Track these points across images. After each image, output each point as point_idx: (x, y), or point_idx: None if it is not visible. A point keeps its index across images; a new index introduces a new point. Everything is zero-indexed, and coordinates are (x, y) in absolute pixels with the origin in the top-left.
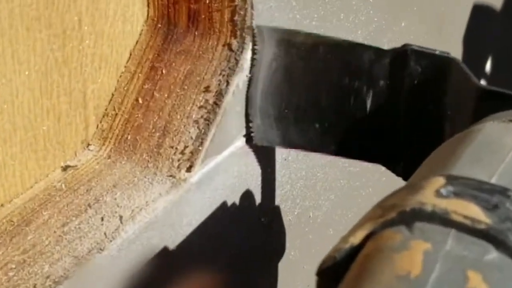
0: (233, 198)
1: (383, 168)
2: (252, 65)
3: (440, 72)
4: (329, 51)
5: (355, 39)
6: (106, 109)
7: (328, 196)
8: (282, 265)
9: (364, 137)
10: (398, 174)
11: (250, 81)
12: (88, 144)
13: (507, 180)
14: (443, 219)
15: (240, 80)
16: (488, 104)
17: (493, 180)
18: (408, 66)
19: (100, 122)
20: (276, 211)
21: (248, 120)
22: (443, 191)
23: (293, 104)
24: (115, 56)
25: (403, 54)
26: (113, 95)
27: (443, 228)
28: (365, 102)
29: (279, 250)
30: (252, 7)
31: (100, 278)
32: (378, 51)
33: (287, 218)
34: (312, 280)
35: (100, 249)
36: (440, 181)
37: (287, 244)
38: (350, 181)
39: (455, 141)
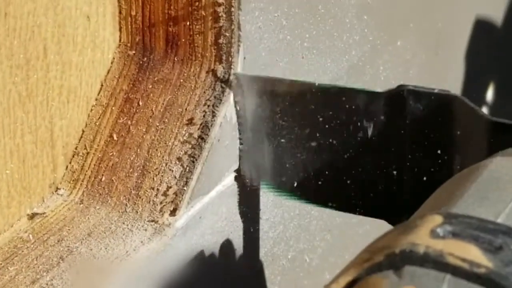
0: (223, 242)
1: None
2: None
3: (443, 110)
4: (317, 101)
5: (349, 60)
6: (76, 148)
7: (323, 236)
8: None
9: (364, 190)
10: None
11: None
12: (57, 188)
13: None
14: (437, 263)
15: (227, 110)
16: (501, 137)
17: (499, 220)
18: (407, 107)
19: (70, 162)
20: (268, 255)
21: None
22: (439, 230)
23: (283, 158)
24: (85, 87)
25: (398, 96)
26: (83, 131)
27: (437, 272)
28: (363, 152)
29: None
30: (239, 28)
31: None
32: (371, 95)
33: (281, 262)
34: None
35: None
36: (437, 219)
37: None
38: (346, 219)
39: (459, 178)
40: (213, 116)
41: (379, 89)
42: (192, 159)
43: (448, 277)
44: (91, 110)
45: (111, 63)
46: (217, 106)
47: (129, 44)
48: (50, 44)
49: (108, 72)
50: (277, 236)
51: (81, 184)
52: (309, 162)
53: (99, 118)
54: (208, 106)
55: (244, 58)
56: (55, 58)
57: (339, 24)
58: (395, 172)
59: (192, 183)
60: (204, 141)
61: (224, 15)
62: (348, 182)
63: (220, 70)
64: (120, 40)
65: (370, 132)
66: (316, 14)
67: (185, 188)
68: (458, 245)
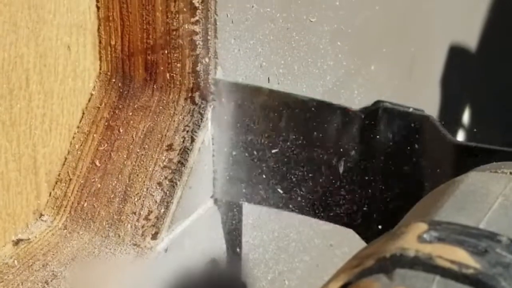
0: (204, 264)
1: None
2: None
3: (414, 132)
4: (294, 114)
5: (324, 86)
6: (59, 175)
7: (302, 258)
8: None
9: (336, 202)
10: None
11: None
12: (41, 214)
13: (496, 227)
14: (427, 265)
15: (205, 136)
16: (467, 160)
17: (480, 226)
18: (379, 130)
19: (53, 189)
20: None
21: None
22: (426, 236)
23: (259, 165)
24: (67, 116)
25: (373, 115)
26: (66, 158)
27: (427, 274)
28: (337, 167)
29: None
30: (215, 56)
31: None
32: (346, 114)
33: (261, 284)
34: None
35: None
36: (422, 226)
37: None
38: (324, 240)
39: (436, 192)
40: (192, 141)
41: None
42: (172, 183)
43: (438, 278)
44: (73, 137)
45: (92, 91)
46: (195, 132)
47: (109, 73)
48: (32, 74)
49: (89, 101)
50: (256, 258)
51: (64, 210)
52: (285, 174)
53: (81, 145)
54: (187, 131)
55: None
56: (37, 88)
57: (313, 50)
58: (370, 190)
59: (172, 207)
60: (184, 166)
61: (201, 43)
62: (323, 193)
63: (197, 96)
64: (100, 69)
65: (344, 147)
66: (290, 41)
67: (166, 212)
68: (446, 249)
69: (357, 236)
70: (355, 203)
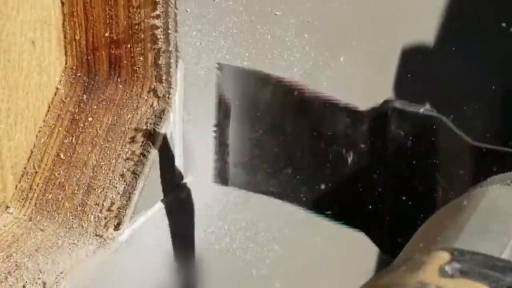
0: (167, 254)
1: None
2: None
3: (426, 134)
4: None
5: (291, 77)
6: (25, 168)
7: (272, 247)
8: None
9: (346, 199)
10: (384, 248)
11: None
12: (7, 207)
13: None
14: None
15: (168, 128)
16: (485, 162)
17: (504, 255)
18: (390, 130)
19: (19, 182)
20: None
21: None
22: (448, 268)
23: (259, 149)
24: (32, 110)
25: (383, 117)
26: (32, 152)
27: None
28: (345, 165)
29: None
30: (176, 49)
31: None
32: (355, 115)
33: (228, 273)
34: None
35: None
36: (444, 256)
37: None
38: (296, 230)
39: (455, 207)
40: (154, 134)
41: None
42: (134, 175)
43: None
44: (39, 131)
45: (58, 85)
46: (157, 124)
47: (74, 67)
48: None
49: (55, 95)
50: (223, 247)
51: (30, 202)
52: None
53: (47, 138)
54: (150, 124)
55: (184, 77)
56: (1, 83)
57: (279, 42)
58: (378, 191)
59: (134, 199)
60: (146, 158)
61: (162, 37)
62: (327, 183)
63: (160, 89)
64: (66, 64)
65: (351, 156)
66: (255, 34)
67: (128, 203)
68: (469, 285)
69: (330, 225)
70: (364, 202)
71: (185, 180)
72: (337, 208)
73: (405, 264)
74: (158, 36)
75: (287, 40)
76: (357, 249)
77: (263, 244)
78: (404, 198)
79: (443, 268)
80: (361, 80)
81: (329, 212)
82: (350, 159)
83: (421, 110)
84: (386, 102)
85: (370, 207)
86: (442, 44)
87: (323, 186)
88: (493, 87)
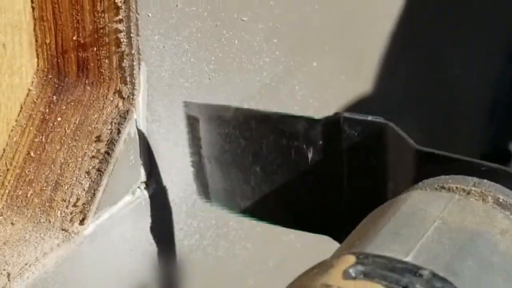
0: (134, 252)
1: None
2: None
3: (377, 137)
4: (260, 124)
5: (261, 81)
6: None
7: (244, 245)
8: None
9: (307, 209)
10: None
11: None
12: None
13: (425, 257)
14: None
15: (131, 128)
16: (427, 167)
17: (409, 257)
18: (343, 134)
19: None
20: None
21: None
22: (351, 271)
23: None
24: (5, 110)
25: (335, 123)
26: (4, 150)
27: None
28: (305, 174)
29: None
30: (139, 52)
31: None
32: (309, 122)
33: (199, 269)
34: None
35: None
36: (350, 259)
37: None
38: (269, 228)
39: (379, 212)
40: (118, 133)
41: (296, 107)
42: (99, 172)
43: None
44: (12, 130)
45: (30, 87)
46: (121, 124)
47: (45, 70)
48: None
49: (27, 96)
50: (193, 244)
51: (1, 198)
52: (256, 185)
53: (19, 137)
54: (114, 124)
55: (147, 79)
56: None
57: (247, 47)
58: (334, 193)
59: (99, 195)
60: (110, 156)
61: (125, 40)
62: (292, 202)
63: (125, 90)
64: (38, 66)
65: (310, 156)
66: (221, 38)
67: (92, 199)
68: (368, 285)
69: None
70: (324, 206)
71: (150, 178)
72: (296, 209)
73: (318, 266)
74: (121, 40)
75: (256, 45)
76: (331, 245)
77: (235, 241)
78: (358, 197)
79: (347, 271)
80: (336, 83)
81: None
82: (308, 160)
83: (369, 118)
84: (337, 114)
85: (330, 206)
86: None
87: (285, 181)
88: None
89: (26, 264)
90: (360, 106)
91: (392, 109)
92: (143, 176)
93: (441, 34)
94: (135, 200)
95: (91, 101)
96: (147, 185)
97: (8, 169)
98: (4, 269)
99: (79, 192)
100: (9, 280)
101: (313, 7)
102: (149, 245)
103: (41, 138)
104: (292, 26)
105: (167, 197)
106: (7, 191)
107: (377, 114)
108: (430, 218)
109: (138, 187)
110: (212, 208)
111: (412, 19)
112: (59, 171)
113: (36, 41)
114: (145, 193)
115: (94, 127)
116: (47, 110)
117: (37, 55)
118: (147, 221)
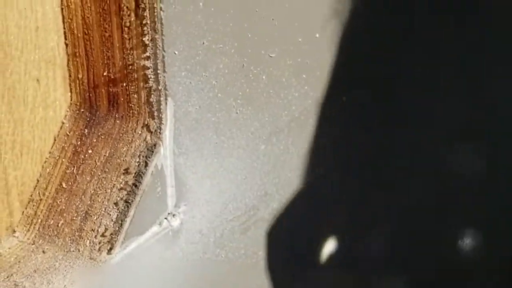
0: (162, 281)
1: None
2: None
3: None
4: None
5: (289, 115)
6: (31, 195)
7: (276, 276)
8: None
9: None
10: None
11: None
12: (14, 231)
13: None
14: None
15: (158, 161)
16: None
17: None
18: None
19: (26, 208)
20: None
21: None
22: None
23: None
24: (39, 142)
25: None
26: (38, 181)
27: None
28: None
29: None
30: (165, 88)
31: None
32: None
33: None
34: None
35: None
36: None
37: None
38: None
39: None
40: (146, 165)
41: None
42: (127, 204)
43: None
44: (45, 162)
45: (64, 120)
46: (149, 157)
47: (78, 104)
48: (1, 104)
49: (60, 128)
50: (223, 272)
51: (34, 227)
52: None
53: (52, 168)
54: (142, 157)
55: (174, 114)
56: (6, 117)
57: (275, 82)
58: None
59: (126, 225)
60: (138, 188)
61: (152, 77)
62: None
63: (152, 124)
64: (71, 100)
65: None
66: (248, 74)
67: (120, 229)
68: None
69: None
70: None
71: (177, 210)
72: None
73: None
74: (149, 76)
75: (284, 80)
76: None
77: (263, 271)
78: None
79: None
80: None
81: None
82: None
83: None
84: None
85: None
86: None
87: None
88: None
89: None
90: None
91: None
92: (170, 207)
93: None
94: (162, 231)
95: (121, 135)
96: (174, 216)
97: (41, 199)
98: None
99: (107, 223)
100: None
101: (342, 43)
102: (178, 274)
103: (73, 170)
104: (320, 61)
105: (195, 227)
106: (39, 220)
107: None
108: None
109: (165, 218)
110: (240, 239)
111: None
112: (89, 202)
113: (70, 76)
114: (172, 224)
115: (123, 160)
116: (79, 143)
117: (70, 89)
118: (174, 251)
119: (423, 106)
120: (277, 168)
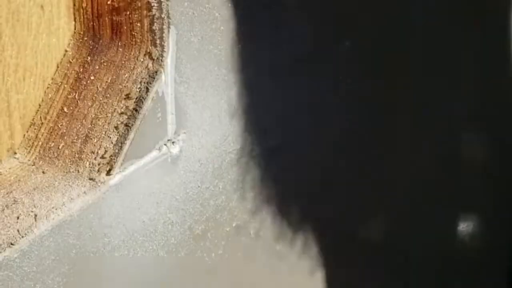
0: (159, 205)
1: None
2: None
3: None
4: None
5: (292, 54)
6: (33, 119)
7: (271, 210)
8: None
9: None
10: None
11: None
12: (15, 153)
13: None
14: None
15: (159, 87)
16: None
17: None
18: None
19: (27, 131)
20: (210, 220)
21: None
22: None
23: None
24: (41, 68)
25: None
26: (40, 105)
27: None
28: None
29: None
30: (168, 16)
31: (9, 269)
32: None
33: (225, 229)
34: None
35: (11, 244)
36: None
37: (226, 256)
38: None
39: None
40: (147, 91)
41: None
42: (127, 127)
43: None
44: (47, 87)
45: (67, 48)
46: (150, 83)
47: (81, 32)
48: (5, 28)
49: (63, 56)
50: (219, 204)
51: (34, 149)
52: None
53: (54, 94)
54: (143, 83)
55: (176, 43)
56: (10, 40)
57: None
58: None
59: (125, 148)
60: (138, 113)
61: (155, 5)
62: None
63: (154, 52)
64: (75, 29)
65: None
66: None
67: (119, 152)
68: None
69: None
70: None
71: (177, 137)
72: None
73: None
74: (152, 4)
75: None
76: None
77: (262, 206)
78: None
79: None
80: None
81: None
82: None
83: None
84: None
85: None
86: None
87: None
88: None
89: (53, 208)
90: None
91: None
92: (170, 134)
93: None
94: (161, 156)
95: (123, 62)
96: (174, 142)
97: (42, 123)
98: (32, 211)
99: (107, 145)
100: (35, 221)
101: None
102: (174, 200)
103: (75, 95)
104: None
105: (194, 156)
106: (40, 142)
107: None
108: None
109: (165, 144)
110: (238, 172)
111: None
112: (89, 126)
113: (74, 5)
114: (172, 150)
115: (124, 86)
116: (81, 70)
117: (74, 18)
118: (172, 177)
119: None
120: (278, 106)
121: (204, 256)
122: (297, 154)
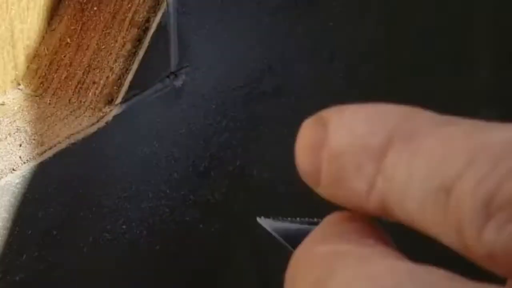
0: (161, 139)
1: None
2: None
3: None
4: None
5: None
6: (36, 51)
7: (274, 151)
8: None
9: None
10: None
11: None
12: (18, 84)
13: None
14: None
15: (162, 17)
16: None
17: None
18: None
19: (31, 63)
20: (214, 158)
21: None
22: None
23: None
24: None
25: None
26: (43, 37)
27: None
28: None
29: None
30: None
31: (10, 194)
32: None
33: (228, 168)
34: None
35: (13, 169)
36: None
37: (229, 195)
38: None
39: None
40: (148, 21)
41: None
42: (129, 58)
43: None
44: (51, 19)
45: None
46: (153, 13)
47: None
48: None
49: None
50: (223, 142)
51: (38, 80)
52: None
53: (58, 25)
54: (146, 13)
55: None
56: None
57: None
58: None
59: (128, 78)
60: (141, 43)
61: None
62: None
63: None
64: None
65: None
66: None
67: (122, 82)
68: None
69: None
70: None
71: (180, 70)
72: None
73: None
74: None
75: None
76: None
77: (267, 147)
78: None
79: None
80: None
81: None
82: None
83: None
84: None
85: None
86: None
87: None
88: None
89: (56, 136)
90: None
91: None
92: (173, 67)
93: None
94: (164, 88)
95: None
96: (177, 76)
97: (45, 54)
98: (34, 139)
99: (110, 75)
100: (38, 148)
101: None
102: (178, 135)
103: (77, 26)
104: None
105: (197, 90)
106: (43, 73)
107: None
108: None
109: (167, 77)
110: (242, 110)
111: None
112: (92, 56)
113: None
114: (174, 83)
115: (127, 16)
116: (84, 1)
117: None
118: (175, 111)
119: None
120: (282, 44)
121: (206, 194)
122: (297, 96)
